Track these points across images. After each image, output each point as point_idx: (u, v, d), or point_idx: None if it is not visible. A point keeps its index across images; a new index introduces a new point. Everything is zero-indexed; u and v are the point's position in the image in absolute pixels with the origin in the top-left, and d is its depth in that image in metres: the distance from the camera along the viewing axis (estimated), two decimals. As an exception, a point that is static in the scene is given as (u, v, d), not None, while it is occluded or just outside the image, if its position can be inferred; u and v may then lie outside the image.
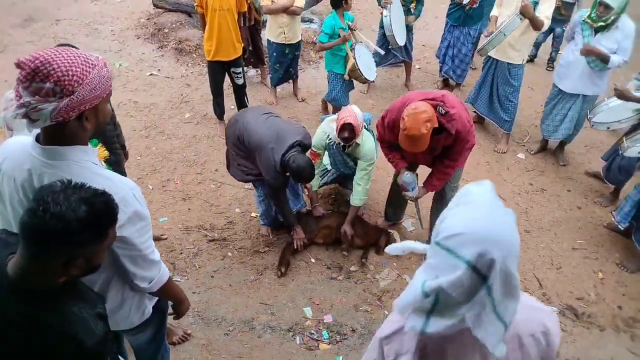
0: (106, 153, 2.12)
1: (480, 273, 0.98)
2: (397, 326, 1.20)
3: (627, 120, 3.76)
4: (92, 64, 1.34)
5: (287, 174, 3.09)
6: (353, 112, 3.27)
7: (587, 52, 3.95)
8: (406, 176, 3.19)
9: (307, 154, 3.23)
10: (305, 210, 3.77)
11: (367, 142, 3.41)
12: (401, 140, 2.78)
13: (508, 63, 4.50)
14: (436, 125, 2.69)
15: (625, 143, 3.53)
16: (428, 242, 1.13)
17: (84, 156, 1.44)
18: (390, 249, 1.28)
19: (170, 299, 1.92)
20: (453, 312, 1.02)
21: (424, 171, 3.34)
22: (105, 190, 1.25)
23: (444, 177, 3.17)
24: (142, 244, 1.55)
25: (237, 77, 4.62)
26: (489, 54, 4.50)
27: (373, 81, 4.90)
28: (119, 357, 1.58)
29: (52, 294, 1.23)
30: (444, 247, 1.02)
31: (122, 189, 1.46)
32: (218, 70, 4.58)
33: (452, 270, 0.99)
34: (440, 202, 3.47)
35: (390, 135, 3.09)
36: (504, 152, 4.86)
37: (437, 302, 1.02)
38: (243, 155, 3.27)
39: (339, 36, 4.40)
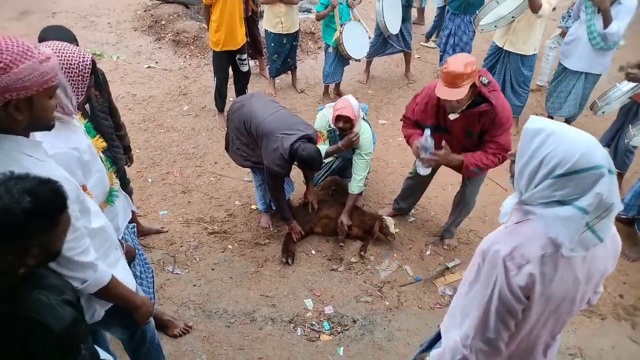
0: (104, 144, 2.11)
1: (611, 171, 1.21)
2: (515, 244, 1.30)
3: (616, 102, 3.79)
4: (29, 55, 1.33)
5: (293, 163, 3.10)
6: (349, 103, 3.27)
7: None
8: (425, 139, 2.77)
9: None
10: (304, 200, 3.77)
11: (365, 133, 3.41)
12: (442, 78, 2.57)
13: (521, 55, 4.49)
14: (476, 78, 2.52)
15: (631, 131, 3.51)
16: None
17: (15, 146, 1.40)
18: (503, 212, 1.41)
19: (118, 303, 1.80)
20: (610, 217, 1.24)
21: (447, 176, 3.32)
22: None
23: (487, 161, 2.80)
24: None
25: (243, 63, 4.63)
26: (498, 43, 4.51)
27: (358, 60, 5.07)
28: (95, 347, 1.57)
29: (15, 285, 1.23)
30: (577, 170, 1.20)
31: None
32: (226, 60, 4.57)
33: (592, 183, 1.19)
34: (461, 205, 3.38)
35: (419, 113, 2.91)
36: (514, 136, 4.87)
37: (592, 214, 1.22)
38: (244, 141, 3.28)
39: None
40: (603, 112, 3.96)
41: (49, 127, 1.49)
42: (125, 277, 1.85)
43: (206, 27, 4.65)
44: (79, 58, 1.81)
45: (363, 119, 3.52)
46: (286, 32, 4.98)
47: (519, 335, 1.41)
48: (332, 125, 3.45)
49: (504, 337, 1.38)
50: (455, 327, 1.58)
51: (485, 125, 2.73)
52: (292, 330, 3.00)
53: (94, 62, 1.87)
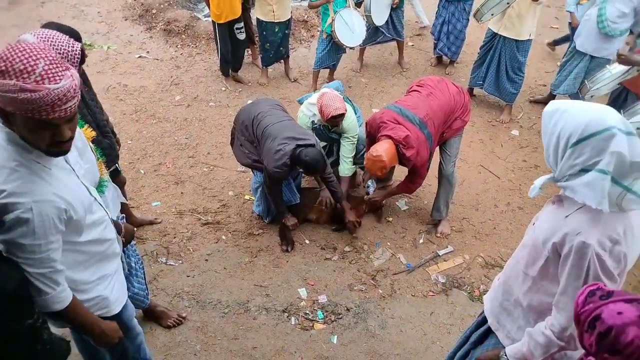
0: (93, 134, 2.10)
1: (630, 132, 1.29)
2: (598, 229, 1.35)
3: (605, 87, 3.79)
4: (18, 76, 1.22)
5: (293, 168, 3.10)
6: (339, 99, 3.27)
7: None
8: (368, 185, 3.85)
9: None
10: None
11: (350, 116, 3.41)
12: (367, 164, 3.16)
13: (516, 40, 4.48)
14: (394, 165, 3.14)
15: (587, 85, 3.57)
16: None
17: (24, 153, 1.38)
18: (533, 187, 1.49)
19: (75, 327, 1.74)
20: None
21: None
22: None
23: (413, 187, 3.45)
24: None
25: (240, 32, 4.99)
26: (493, 28, 4.50)
27: (352, 48, 5.04)
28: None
29: None
30: (589, 135, 1.28)
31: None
32: (227, 30, 4.91)
33: (606, 144, 1.27)
34: (443, 179, 3.54)
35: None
36: (507, 122, 4.88)
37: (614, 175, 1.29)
38: (249, 138, 3.28)
39: None
40: (592, 97, 3.96)
41: (47, 153, 1.39)
42: (114, 292, 1.81)
43: (206, 3, 5.06)
44: (68, 46, 1.79)
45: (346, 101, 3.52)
46: (278, 21, 4.93)
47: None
48: (318, 122, 3.45)
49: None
50: (518, 322, 1.63)
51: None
52: (286, 320, 3.02)
53: (82, 51, 1.85)
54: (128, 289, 2.50)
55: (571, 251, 1.36)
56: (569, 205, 1.42)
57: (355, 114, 3.61)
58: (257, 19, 5.01)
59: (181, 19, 6.35)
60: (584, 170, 1.33)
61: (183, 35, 6.16)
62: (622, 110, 3.56)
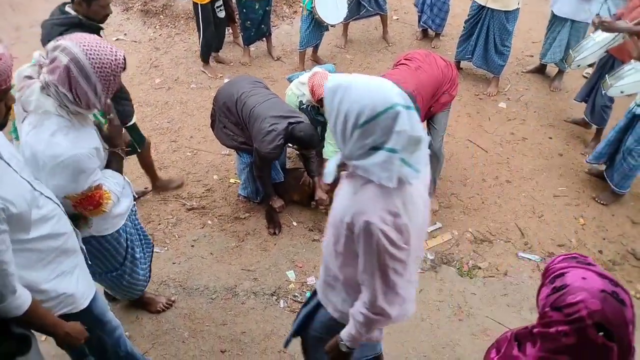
0: None
1: (409, 107, 1.30)
2: (379, 206, 1.38)
3: (591, 56, 3.73)
4: None
5: (285, 146, 3.06)
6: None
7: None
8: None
9: None
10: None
11: None
12: None
13: (505, 11, 4.40)
14: None
15: (607, 81, 3.46)
16: None
17: None
18: (327, 172, 1.52)
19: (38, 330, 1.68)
20: (421, 149, 1.36)
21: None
22: None
23: None
24: None
25: (220, 10, 4.79)
26: (480, 1, 4.44)
27: (333, 25, 4.87)
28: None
29: None
30: (376, 115, 1.27)
31: None
32: (211, 10, 4.65)
33: (393, 123, 1.27)
34: (431, 160, 3.40)
35: None
36: (494, 95, 4.84)
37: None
38: (233, 120, 3.20)
39: None
40: (578, 66, 3.92)
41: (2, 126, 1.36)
42: (79, 287, 1.75)
43: None
44: (112, 56, 1.69)
45: None
46: (258, -3, 4.78)
47: (408, 275, 1.53)
48: (306, 102, 3.36)
49: (402, 285, 1.49)
50: (341, 295, 1.67)
51: None
52: (274, 303, 2.99)
53: (125, 60, 1.76)
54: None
55: (360, 231, 1.37)
56: (357, 182, 1.41)
57: None
58: (236, -4, 4.85)
59: (158, -2, 6.14)
60: (374, 149, 1.31)
61: (161, 16, 5.96)
62: (607, 75, 3.52)
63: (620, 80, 3.38)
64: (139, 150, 3.25)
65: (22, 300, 1.45)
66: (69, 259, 1.72)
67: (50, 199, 1.63)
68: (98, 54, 1.65)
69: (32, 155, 1.66)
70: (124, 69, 1.75)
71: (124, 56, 1.74)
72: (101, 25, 2.77)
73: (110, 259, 2.23)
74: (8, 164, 1.46)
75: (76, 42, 1.64)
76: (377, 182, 1.33)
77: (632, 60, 3.30)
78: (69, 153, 1.66)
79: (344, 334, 1.62)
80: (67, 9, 2.65)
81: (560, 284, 1.25)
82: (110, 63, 1.68)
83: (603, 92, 3.62)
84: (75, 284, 1.73)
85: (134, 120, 3.13)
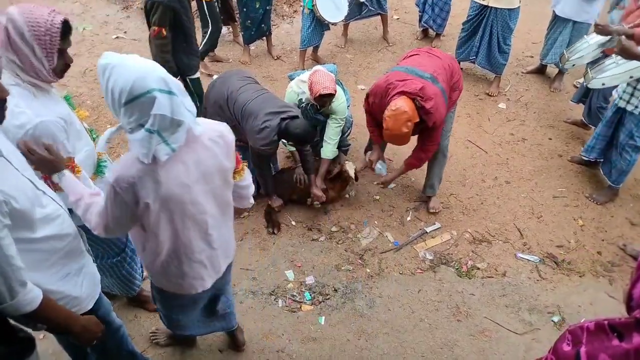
0: (86, 114, 2.11)
1: (171, 92, 1.42)
2: (118, 171, 1.53)
3: (587, 55, 3.70)
4: None
5: (279, 141, 3.05)
6: (331, 77, 3.17)
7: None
8: (378, 168, 3.39)
9: None
10: (280, 168, 3.72)
11: (339, 98, 3.32)
12: (385, 136, 2.95)
13: (508, 9, 4.40)
14: (417, 120, 2.82)
15: (590, 74, 3.47)
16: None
17: None
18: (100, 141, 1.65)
19: (52, 328, 1.65)
20: (182, 131, 1.50)
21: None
22: None
23: (425, 156, 3.25)
24: None
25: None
26: (483, 2, 4.45)
27: (334, 24, 4.87)
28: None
29: None
30: (134, 97, 1.37)
31: None
32: (215, 6, 4.66)
33: (150, 107, 1.38)
34: (437, 157, 3.44)
35: (375, 116, 3.17)
36: (496, 95, 4.85)
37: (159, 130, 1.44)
38: (225, 118, 3.17)
39: None
40: (573, 65, 3.91)
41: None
42: (84, 289, 1.73)
43: None
44: (47, 16, 1.70)
45: (337, 83, 3.42)
46: (258, -4, 4.77)
47: (163, 235, 1.67)
48: (306, 101, 3.35)
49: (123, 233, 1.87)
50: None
51: (424, 129, 3.00)
52: (273, 302, 2.99)
53: (66, 23, 1.74)
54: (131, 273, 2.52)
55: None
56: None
57: (345, 95, 3.53)
58: (237, -5, 4.84)
59: (159, -4, 6.12)
60: (140, 126, 1.43)
61: (161, 14, 5.95)
62: (589, 68, 3.51)
63: (601, 73, 3.39)
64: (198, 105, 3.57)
65: (34, 294, 1.43)
66: (75, 261, 1.70)
67: (53, 199, 1.62)
68: (32, 13, 1.68)
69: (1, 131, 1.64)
70: (63, 32, 1.73)
71: (64, 19, 1.73)
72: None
73: (111, 245, 2.33)
74: (9, 161, 1.45)
75: (17, 7, 1.69)
76: (136, 154, 1.48)
77: (613, 55, 3.32)
78: (35, 121, 1.66)
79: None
80: None
81: None
82: (45, 22, 1.69)
83: (584, 83, 3.67)
84: (81, 287, 1.71)
85: (197, 74, 3.62)
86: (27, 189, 1.47)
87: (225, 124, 1.74)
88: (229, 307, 2.39)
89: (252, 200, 2.12)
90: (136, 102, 1.38)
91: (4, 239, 1.32)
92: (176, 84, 1.44)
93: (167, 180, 1.54)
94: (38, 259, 1.54)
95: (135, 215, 1.60)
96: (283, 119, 2.94)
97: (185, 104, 1.48)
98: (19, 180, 1.46)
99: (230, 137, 1.74)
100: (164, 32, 3.22)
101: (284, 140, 3.21)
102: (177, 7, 3.23)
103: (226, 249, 1.97)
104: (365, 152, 3.95)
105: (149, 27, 3.32)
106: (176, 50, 3.40)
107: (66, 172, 1.74)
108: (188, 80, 3.61)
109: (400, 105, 2.76)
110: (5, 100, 1.37)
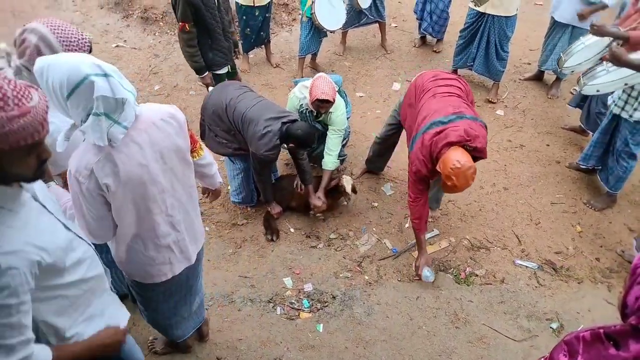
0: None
1: (106, 74, 1.46)
2: (76, 161, 1.58)
3: (587, 62, 3.68)
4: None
5: (281, 146, 3.07)
6: (332, 85, 3.19)
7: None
8: (426, 275, 3.10)
9: None
10: (279, 175, 3.74)
11: (339, 109, 3.34)
12: (449, 190, 2.69)
13: (505, 17, 4.44)
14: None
15: (582, 80, 3.49)
16: None
17: None
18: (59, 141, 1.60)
19: None
20: (125, 108, 1.54)
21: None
22: None
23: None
24: None
25: None
26: (480, 9, 4.48)
27: (332, 31, 4.90)
28: None
29: None
30: (74, 87, 1.42)
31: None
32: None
33: (90, 92, 1.43)
34: None
35: (427, 177, 2.90)
36: (496, 102, 4.88)
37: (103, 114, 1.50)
38: (224, 127, 3.20)
39: None
40: (572, 72, 3.89)
41: (28, 180, 1.30)
42: (110, 321, 1.62)
43: None
44: (77, 34, 1.77)
45: (338, 91, 3.44)
46: (258, 4, 4.80)
47: (128, 220, 1.72)
48: (305, 106, 3.37)
49: (108, 229, 1.75)
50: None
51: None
52: (271, 310, 2.99)
53: (90, 44, 1.84)
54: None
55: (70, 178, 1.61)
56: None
57: (347, 107, 3.56)
58: (237, 3, 4.87)
59: (158, 5, 6.18)
60: (89, 115, 1.48)
61: (161, 23, 6.00)
62: (581, 75, 3.52)
63: (593, 80, 3.39)
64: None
65: (43, 356, 1.34)
66: (99, 299, 1.60)
67: (84, 239, 1.56)
68: (64, 31, 1.73)
69: None
70: (90, 51, 1.79)
71: (90, 39, 1.81)
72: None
73: None
74: (44, 206, 1.41)
75: (42, 23, 1.71)
76: (93, 142, 1.53)
77: (604, 62, 3.33)
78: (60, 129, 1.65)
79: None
80: None
81: None
82: (77, 40, 1.74)
83: (578, 89, 3.68)
84: (101, 324, 1.60)
85: (223, 70, 3.82)
86: (60, 235, 1.41)
87: (174, 105, 1.80)
88: (201, 299, 2.46)
89: (219, 179, 2.19)
90: (77, 91, 1.43)
91: (25, 305, 1.25)
92: (111, 67, 1.48)
93: (125, 162, 1.59)
94: (63, 305, 1.45)
95: (107, 204, 1.65)
96: (284, 123, 2.97)
97: (123, 84, 1.51)
98: (53, 228, 1.40)
99: (181, 116, 1.80)
100: (188, 27, 3.38)
101: (284, 145, 3.23)
102: (197, 3, 3.32)
103: (194, 234, 2.01)
104: (367, 163, 3.94)
105: (178, 22, 3.49)
106: (202, 45, 3.55)
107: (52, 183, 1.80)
108: (213, 75, 3.79)
109: (462, 159, 2.55)
110: (46, 160, 1.30)
